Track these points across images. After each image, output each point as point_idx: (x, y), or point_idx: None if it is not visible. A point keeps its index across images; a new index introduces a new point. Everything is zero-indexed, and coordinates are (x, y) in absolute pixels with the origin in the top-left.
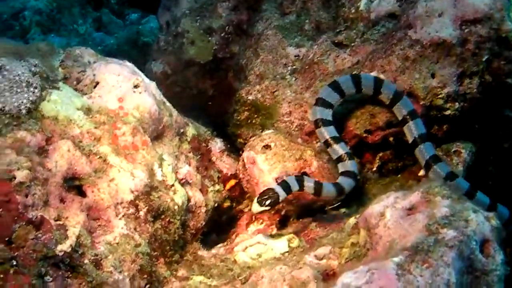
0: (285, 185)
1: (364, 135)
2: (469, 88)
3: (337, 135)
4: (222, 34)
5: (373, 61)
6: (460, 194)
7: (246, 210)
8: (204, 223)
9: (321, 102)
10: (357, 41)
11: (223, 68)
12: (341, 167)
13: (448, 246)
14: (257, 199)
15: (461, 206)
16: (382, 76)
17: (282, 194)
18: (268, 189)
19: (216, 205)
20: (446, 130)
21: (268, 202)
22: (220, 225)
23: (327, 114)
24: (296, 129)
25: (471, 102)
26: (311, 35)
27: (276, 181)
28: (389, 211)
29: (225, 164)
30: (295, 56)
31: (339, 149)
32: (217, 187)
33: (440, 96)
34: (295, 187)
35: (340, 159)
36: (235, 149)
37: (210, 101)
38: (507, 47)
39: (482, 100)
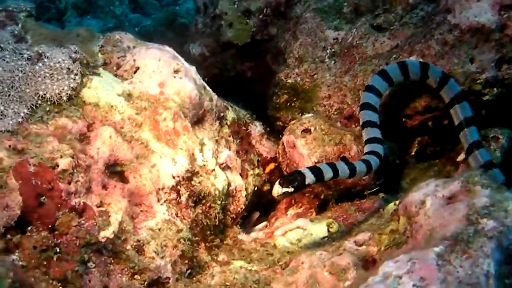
0: (316, 170)
1: (403, 119)
2: (507, 74)
3: (375, 120)
4: (260, 16)
5: (412, 45)
6: (499, 184)
7: None
8: (244, 207)
9: (370, 89)
10: (395, 24)
11: (261, 50)
12: (367, 148)
13: (488, 236)
14: (279, 181)
15: (501, 196)
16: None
17: (310, 178)
18: (295, 171)
19: (256, 188)
20: (484, 115)
21: (292, 184)
22: (260, 209)
23: (375, 100)
24: (335, 113)
25: (509, 88)
26: (349, 18)
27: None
28: (429, 200)
29: (265, 147)
30: (333, 39)
31: (371, 133)
32: (256, 170)
33: (478, 81)
34: (328, 174)
35: (368, 141)
36: (274, 132)
37: (248, 83)
38: None
39: None
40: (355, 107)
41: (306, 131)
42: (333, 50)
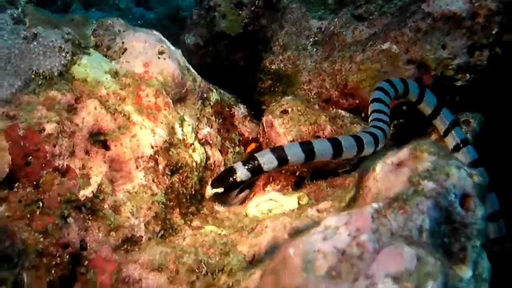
0: (251, 163)
1: None
2: (479, 60)
3: (385, 110)
4: (252, 8)
5: (387, 32)
6: (448, 153)
7: None
8: None
9: (381, 90)
10: (375, 14)
11: (253, 41)
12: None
13: (426, 196)
14: (211, 183)
15: (445, 162)
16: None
17: (243, 174)
18: (228, 168)
19: None
20: (457, 100)
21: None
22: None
23: (385, 97)
24: (315, 96)
25: (481, 74)
26: (333, 8)
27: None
28: (379, 166)
29: (247, 128)
30: (317, 28)
31: (378, 116)
32: (237, 149)
33: (450, 67)
34: (270, 163)
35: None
36: (260, 116)
37: (241, 72)
38: None
39: (492, 72)
40: (332, 91)
41: (284, 112)
42: (316, 38)
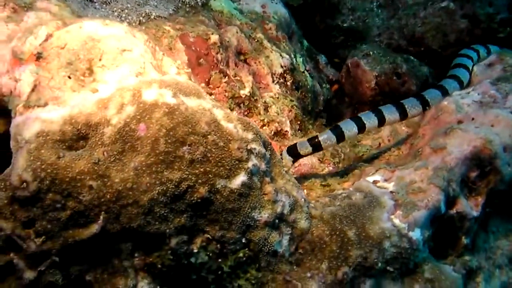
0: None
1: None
2: None
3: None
4: None
5: None
6: None
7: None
8: (322, 108)
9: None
10: None
11: (312, 11)
12: None
13: None
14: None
15: None
16: None
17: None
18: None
19: (329, 97)
20: None
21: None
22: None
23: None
24: (385, 46)
25: None
26: None
27: (376, 78)
28: (475, 67)
29: (330, 72)
30: None
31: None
32: (327, 86)
33: (495, 20)
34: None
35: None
36: (332, 67)
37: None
38: None
39: None
40: (401, 41)
41: (366, 55)
42: (378, 2)
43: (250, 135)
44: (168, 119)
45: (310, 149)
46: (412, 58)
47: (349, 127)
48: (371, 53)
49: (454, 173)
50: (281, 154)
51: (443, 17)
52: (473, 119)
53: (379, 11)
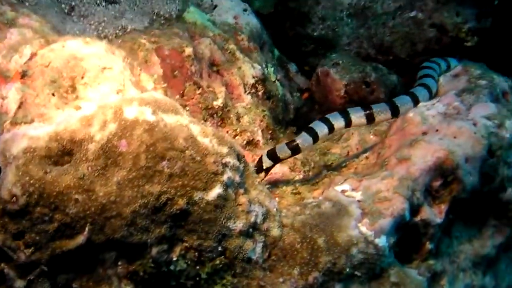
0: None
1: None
2: (484, 25)
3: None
4: None
5: (413, 3)
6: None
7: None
8: (292, 117)
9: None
10: None
11: (282, 19)
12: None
13: (483, 87)
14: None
15: (488, 70)
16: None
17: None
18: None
19: (299, 106)
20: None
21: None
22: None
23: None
24: (354, 55)
25: (486, 37)
26: None
27: (346, 87)
28: (441, 78)
29: (300, 80)
30: (348, 4)
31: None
32: (297, 94)
33: (463, 30)
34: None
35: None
36: (302, 75)
37: None
38: None
39: (494, 35)
40: (370, 50)
41: (336, 64)
42: (349, 11)
43: (224, 149)
44: (148, 136)
45: (289, 152)
46: (381, 66)
47: (320, 128)
48: (340, 62)
49: (418, 182)
50: (260, 159)
51: (412, 26)
52: (437, 130)
53: (349, 20)
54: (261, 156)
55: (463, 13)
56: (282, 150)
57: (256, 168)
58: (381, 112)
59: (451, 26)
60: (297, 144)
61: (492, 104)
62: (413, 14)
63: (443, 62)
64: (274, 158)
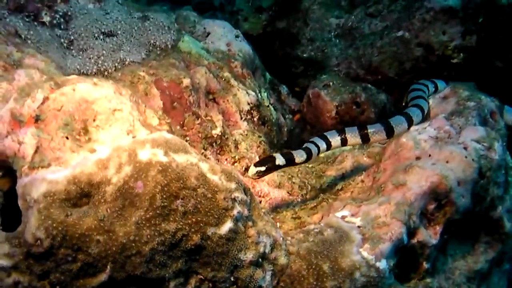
0: (287, 156)
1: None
2: (469, 42)
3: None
4: (270, 12)
5: (399, 23)
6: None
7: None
8: (286, 139)
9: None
10: (384, 11)
11: (271, 39)
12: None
13: (471, 109)
14: (254, 164)
15: (476, 91)
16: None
17: (281, 161)
18: (269, 156)
19: (292, 128)
20: (453, 75)
21: (264, 165)
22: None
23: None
24: (344, 76)
25: (472, 53)
26: (346, 9)
27: (337, 108)
28: (431, 100)
29: (291, 102)
30: (336, 24)
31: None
32: (289, 116)
33: (449, 48)
34: (301, 157)
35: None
36: (293, 96)
37: None
38: (496, 11)
39: (479, 52)
40: (359, 70)
41: (326, 85)
42: (337, 32)
43: (233, 185)
44: (162, 176)
45: (304, 157)
46: (370, 86)
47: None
48: (331, 83)
49: (414, 207)
50: (272, 156)
51: (399, 46)
52: (430, 155)
53: (337, 41)
54: (271, 155)
55: (449, 32)
56: (299, 154)
57: (267, 166)
58: (377, 133)
59: (438, 45)
60: (311, 150)
61: (481, 127)
62: (400, 33)
63: (431, 84)
64: (290, 159)
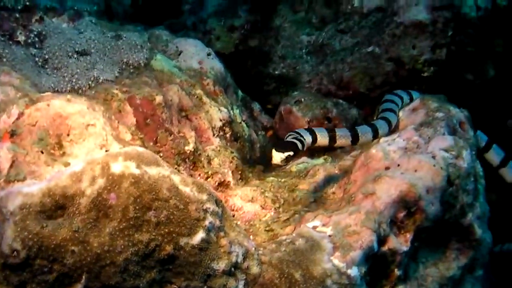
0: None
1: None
2: (439, 56)
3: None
4: (242, 31)
5: (370, 39)
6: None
7: None
8: (259, 156)
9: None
10: (355, 28)
11: (243, 58)
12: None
13: (440, 119)
14: (276, 149)
15: (445, 103)
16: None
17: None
18: (285, 141)
19: (264, 144)
20: (424, 88)
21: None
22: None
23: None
24: (315, 92)
25: (442, 67)
26: (317, 26)
27: (309, 123)
28: (401, 112)
29: (264, 119)
30: (307, 41)
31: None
32: (262, 133)
33: (419, 61)
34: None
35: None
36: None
37: None
38: (465, 25)
39: (449, 65)
40: (330, 86)
41: (298, 101)
42: (308, 49)
43: (204, 196)
44: (135, 188)
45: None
46: (341, 102)
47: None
48: (302, 99)
49: (384, 215)
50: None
51: (369, 61)
52: (399, 165)
53: (309, 57)
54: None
55: (419, 46)
56: (323, 134)
57: (297, 144)
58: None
59: (408, 59)
60: (335, 134)
61: (449, 136)
62: (370, 49)
63: (406, 95)
64: (315, 138)
